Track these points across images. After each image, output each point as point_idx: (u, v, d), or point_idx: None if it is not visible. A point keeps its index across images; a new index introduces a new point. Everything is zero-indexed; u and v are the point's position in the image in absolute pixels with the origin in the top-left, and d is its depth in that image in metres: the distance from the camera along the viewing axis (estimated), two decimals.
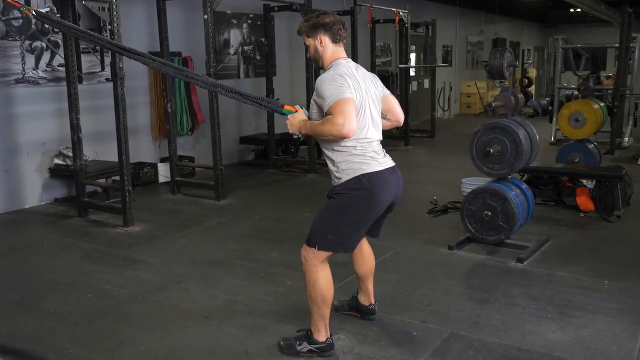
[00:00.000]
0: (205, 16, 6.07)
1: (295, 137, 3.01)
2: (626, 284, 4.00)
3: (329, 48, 2.91)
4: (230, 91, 2.96)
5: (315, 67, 3.07)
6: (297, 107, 2.92)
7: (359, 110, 2.81)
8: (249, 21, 8.94)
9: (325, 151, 2.89)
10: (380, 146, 2.96)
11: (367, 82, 2.93)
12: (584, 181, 5.92)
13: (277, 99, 3.04)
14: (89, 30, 3.94)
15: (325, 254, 2.88)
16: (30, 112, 6.23)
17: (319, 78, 2.86)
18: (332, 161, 2.86)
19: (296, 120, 2.85)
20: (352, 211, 2.83)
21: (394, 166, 2.95)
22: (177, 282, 4.07)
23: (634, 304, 3.68)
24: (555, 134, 10.02)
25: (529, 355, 3.04)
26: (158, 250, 4.78)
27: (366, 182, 2.79)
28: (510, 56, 4.51)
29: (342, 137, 2.73)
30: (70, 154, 6.08)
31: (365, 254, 3.24)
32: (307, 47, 2.98)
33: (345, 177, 2.82)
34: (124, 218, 5.38)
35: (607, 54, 18.02)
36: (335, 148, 2.83)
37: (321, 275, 2.89)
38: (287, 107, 2.91)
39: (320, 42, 2.90)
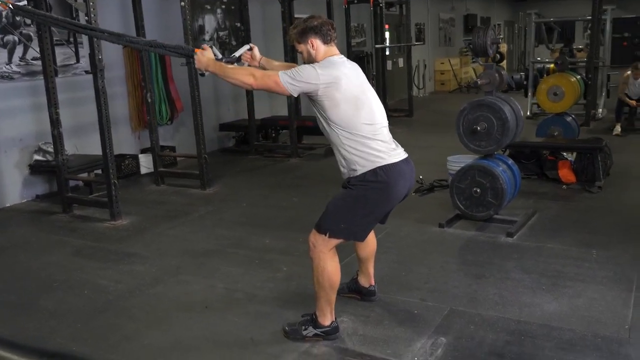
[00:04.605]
0: (182, 3, 5.99)
1: (200, 73, 3.12)
2: (613, 252, 4.12)
3: (321, 49, 2.93)
4: (148, 45, 3.39)
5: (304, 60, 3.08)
6: (206, 46, 3.09)
7: (361, 95, 2.86)
8: (223, 6, 8.84)
9: (336, 143, 2.89)
10: (390, 135, 2.99)
11: (360, 74, 2.99)
12: (565, 154, 6.03)
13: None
14: (69, 19, 3.91)
15: (335, 241, 2.91)
16: (5, 108, 6.08)
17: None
18: (345, 152, 2.87)
19: (205, 57, 3.00)
20: (368, 203, 2.87)
21: (407, 157, 2.99)
22: (174, 273, 4.06)
23: (622, 271, 3.80)
24: (531, 108, 10.16)
25: (528, 327, 3.12)
26: (149, 242, 4.76)
27: (383, 175, 2.83)
28: (493, 34, 4.55)
29: (247, 87, 2.96)
30: (50, 149, 5.98)
31: (368, 237, 3.26)
32: (300, 54, 3.01)
33: (360, 170, 2.84)
34: (110, 212, 5.33)
35: (576, 26, 18.25)
36: (348, 140, 2.84)
37: (330, 262, 2.92)
38: (197, 50, 3.07)
39: (312, 46, 2.92)
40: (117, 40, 3.53)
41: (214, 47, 3.11)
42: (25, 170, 6.27)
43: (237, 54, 3.23)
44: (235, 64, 3.17)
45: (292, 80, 2.79)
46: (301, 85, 2.80)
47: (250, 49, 3.28)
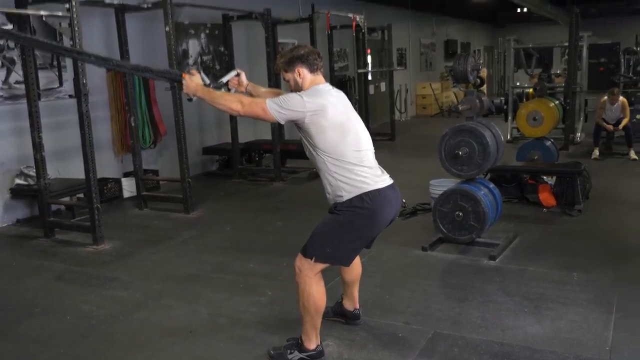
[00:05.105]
0: (167, 28, 6.03)
1: (187, 98, 3.12)
2: (593, 275, 4.17)
3: (308, 78, 2.98)
4: (135, 69, 3.45)
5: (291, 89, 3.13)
6: (194, 71, 3.09)
7: (347, 121, 2.91)
8: (207, 31, 8.91)
9: (322, 169, 2.92)
10: (375, 160, 3.03)
11: (346, 101, 3.04)
12: (545, 178, 6.13)
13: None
14: (55, 43, 3.92)
15: (321, 266, 2.93)
16: None
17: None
18: (331, 178, 2.90)
19: (193, 82, 3.00)
20: (354, 228, 2.90)
21: (393, 183, 3.02)
22: (157, 299, 4.03)
23: (602, 294, 3.85)
24: (511, 132, 10.32)
25: (511, 350, 3.15)
26: (132, 267, 4.72)
27: (369, 201, 2.86)
28: (474, 60, 4.65)
29: (234, 114, 2.97)
30: (32, 173, 5.94)
31: (353, 262, 3.28)
32: (287, 83, 3.06)
33: (347, 195, 2.88)
34: (93, 236, 5.29)
35: (553, 52, 18.63)
36: (334, 167, 2.87)
37: (315, 287, 2.93)
38: (185, 75, 3.07)
39: (299, 74, 2.97)
40: (103, 64, 3.54)
41: (201, 72, 3.12)
42: (6, 194, 6.20)
43: (224, 79, 3.25)
44: (223, 89, 3.19)
45: (279, 108, 2.83)
46: (288, 113, 2.83)
47: (238, 75, 3.30)
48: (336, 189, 2.90)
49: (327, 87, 3.00)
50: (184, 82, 3.01)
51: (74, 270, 4.68)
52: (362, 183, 2.87)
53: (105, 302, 4.00)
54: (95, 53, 3.67)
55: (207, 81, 3.10)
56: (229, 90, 3.25)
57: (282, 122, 2.92)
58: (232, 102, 2.91)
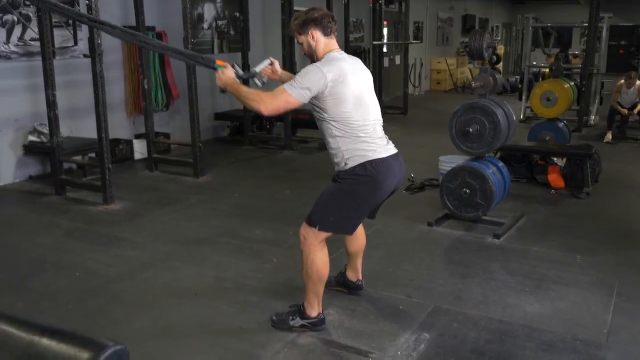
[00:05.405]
0: None
1: (220, 91, 3.05)
2: (597, 258, 4.19)
3: (321, 41, 2.95)
4: (162, 48, 3.60)
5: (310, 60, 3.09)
6: (227, 64, 3.03)
7: (359, 94, 2.90)
8: None
9: (329, 138, 2.93)
10: (383, 131, 3.04)
11: (360, 69, 3.02)
12: (555, 159, 6.11)
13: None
14: (79, 11, 3.90)
15: (324, 235, 2.97)
16: (1, 87, 6.09)
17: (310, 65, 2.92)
18: (337, 147, 2.92)
19: (225, 75, 2.95)
20: (356, 196, 2.92)
21: (397, 153, 3.03)
22: (164, 260, 4.11)
23: (605, 277, 3.87)
24: (525, 112, 10.23)
25: (510, 327, 3.19)
26: (141, 228, 4.79)
27: (372, 169, 2.87)
28: (490, 37, 4.61)
29: (260, 114, 2.86)
30: (45, 131, 5.99)
31: (357, 233, 3.31)
32: (301, 46, 3.03)
33: (351, 163, 2.89)
34: (104, 196, 5.36)
35: (573, 32, 18.31)
36: (341, 138, 2.88)
37: (319, 255, 2.97)
38: (218, 62, 3.02)
39: (312, 37, 2.94)
40: (130, 38, 3.47)
41: (235, 65, 3.04)
42: (19, 151, 6.28)
43: (257, 68, 3.15)
44: (255, 78, 3.11)
45: (301, 89, 2.77)
46: (312, 89, 2.78)
47: (271, 64, 3.21)
48: (342, 157, 2.91)
49: (342, 54, 2.98)
50: (216, 74, 2.96)
51: (83, 228, 4.76)
52: (367, 151, 2.88)
53: (113, 261, 4.08)
54: (120, 26, 3.58)
55: (240, 72, 3.02)
56: (261, 79, 3.13)
57: (307, 102, 2.85)
58: (254, 102, 2.83)
